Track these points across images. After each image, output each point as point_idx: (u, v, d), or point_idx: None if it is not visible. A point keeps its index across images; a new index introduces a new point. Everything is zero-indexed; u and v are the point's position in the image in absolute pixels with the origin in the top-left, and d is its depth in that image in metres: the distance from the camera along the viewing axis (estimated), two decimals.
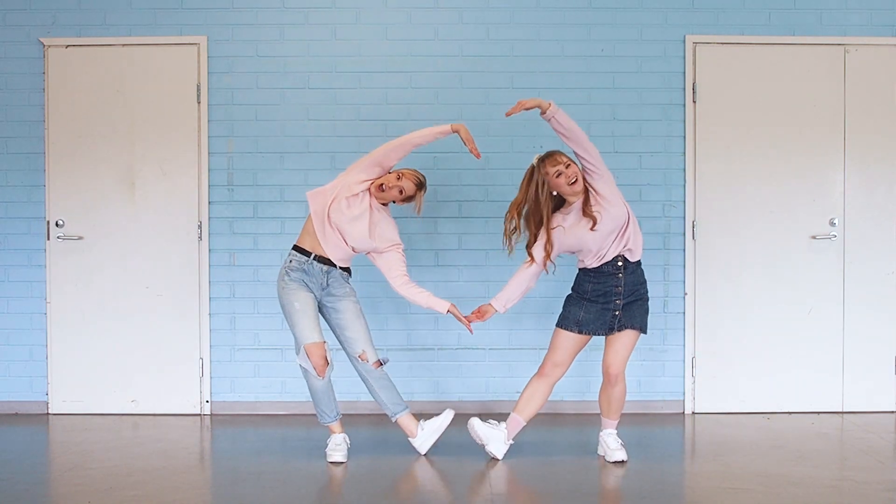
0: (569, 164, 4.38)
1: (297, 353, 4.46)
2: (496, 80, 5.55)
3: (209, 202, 5.55)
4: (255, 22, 5.56)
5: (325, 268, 4.52)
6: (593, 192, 4.39)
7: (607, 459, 4.55)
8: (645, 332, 4.51)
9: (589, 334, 4.49)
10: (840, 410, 5.56)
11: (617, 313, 4.43)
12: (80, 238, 5.55)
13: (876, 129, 5.56)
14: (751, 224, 5.54)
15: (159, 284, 5.54)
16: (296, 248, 4.54)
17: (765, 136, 5.54)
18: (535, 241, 4.48)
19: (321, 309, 4.59)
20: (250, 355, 5.58)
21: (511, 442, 4.58)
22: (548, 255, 4.44)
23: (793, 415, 5.50)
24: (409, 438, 4.65)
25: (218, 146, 5.56)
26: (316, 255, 4.50)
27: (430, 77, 5.55)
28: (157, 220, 5.55)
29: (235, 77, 5.55)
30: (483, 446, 4.56)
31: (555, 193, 4.44)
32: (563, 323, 4.50)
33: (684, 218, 5.55)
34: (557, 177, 4.36)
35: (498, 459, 4.52)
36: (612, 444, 4.57)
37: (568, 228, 4.42)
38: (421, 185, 4.63)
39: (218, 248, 5.57)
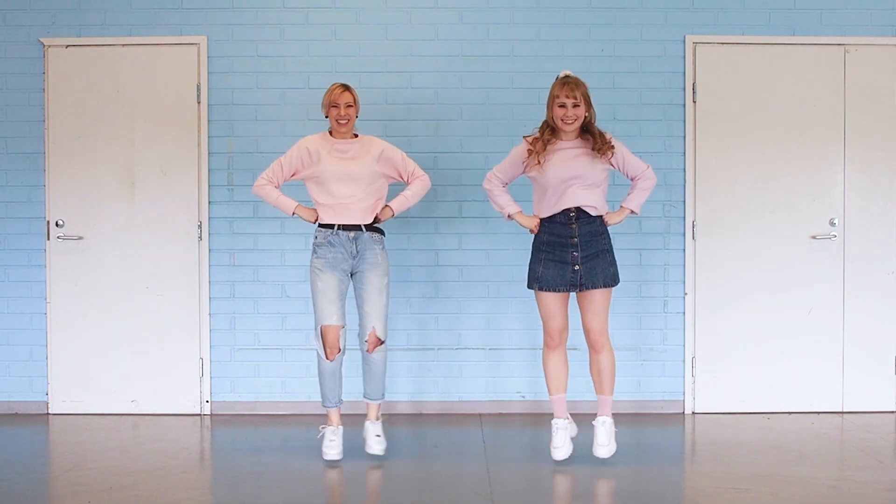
0: (576, 105, 4.33)
1: (315, 335, 4.49)
2: (496, 80, 5.55)
3: (209, 202, 5.55)
4: (255, 22, 5.55)
5: (352, 234, 4.52)
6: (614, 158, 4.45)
7: (593, 452, 4.42)
8: (616, 284, 4.39)
9: (552, 291, 4.36)
10: (840, 410, 5.56)
11: (577, 268, 4.33)
12: (80, 238, 5.55)
13: (876, 129, 5.55)
14: (751, 224, 5.54)
15: (159, 284, 5.54)
16: (320, 224, 4.55)
17: (765, 136, 5.53)
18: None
19: (352, 277, 4.57)
20: (250, 355, 5.58)
21: (568, 421, 4.52)
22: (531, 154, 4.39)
23: (793, 415, 5.50)
24: (367, 421, 4.60)
25: (218, 146, 5.56)
26: (339, 225, 4.51)
27: (430, 77, 5.55)
28: (157, 220, 5.55)
29: (235, 77, 5.55)
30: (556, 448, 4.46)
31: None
32: (528, 283, 4.46)
33: (684, 218, 5.55)
34: (560, 107, 4.36)
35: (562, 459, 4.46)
36: (599, 437, 4.40)
37: (560, 152, 4.39)
38: (346, 87, 4.58)
39: (218, 248, 5.57)
